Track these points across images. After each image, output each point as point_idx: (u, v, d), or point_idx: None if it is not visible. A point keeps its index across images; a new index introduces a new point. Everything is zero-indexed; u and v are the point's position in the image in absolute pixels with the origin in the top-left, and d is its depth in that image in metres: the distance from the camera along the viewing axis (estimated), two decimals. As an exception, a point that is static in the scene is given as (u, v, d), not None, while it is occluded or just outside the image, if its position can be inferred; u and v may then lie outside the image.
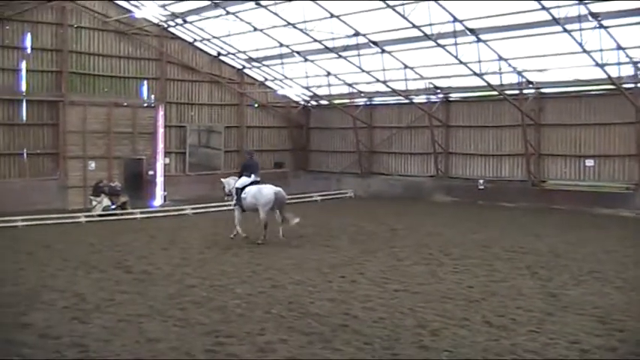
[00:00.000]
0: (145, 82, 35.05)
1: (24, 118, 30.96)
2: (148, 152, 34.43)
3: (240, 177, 22.21)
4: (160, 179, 34.28)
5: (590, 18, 23.55)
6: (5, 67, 30.39)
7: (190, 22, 34.02)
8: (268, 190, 21.37)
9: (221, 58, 37.84)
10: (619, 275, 15.83)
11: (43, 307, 12.86)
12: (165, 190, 34.09)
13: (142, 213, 28.60)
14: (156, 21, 34.43)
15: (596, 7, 23.26)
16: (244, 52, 36.58)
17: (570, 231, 23.47)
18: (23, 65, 30.83)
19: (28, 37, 30.92)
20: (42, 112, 31.47)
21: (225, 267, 17.00)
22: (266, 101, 40.25)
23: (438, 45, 27.82)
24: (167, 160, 35.28)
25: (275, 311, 12.50)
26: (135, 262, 17.67)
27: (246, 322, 11.75)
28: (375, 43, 30.52)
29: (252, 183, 21.71)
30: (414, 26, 26.87)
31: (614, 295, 13.83)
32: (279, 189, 21.67)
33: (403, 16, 25.95)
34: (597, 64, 25.67)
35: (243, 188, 21.60)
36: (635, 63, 26.55)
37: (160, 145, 34.42)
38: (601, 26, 23.98)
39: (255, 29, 31.92)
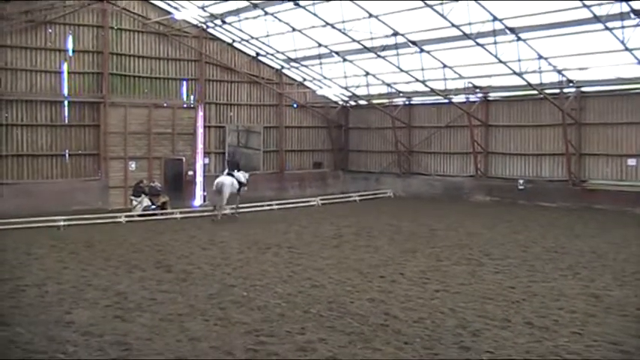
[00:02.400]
0: (185, 82, 35.31)
1: (66, 119, 31.41)
2: (188, 152, 34.72)
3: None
4: (199, 179, 34.57)
5: (632, 16, 23.21)
6: (48, 69, 30.83)
7: (229, 23, 34.20)
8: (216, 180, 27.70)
9: (260, 58, 37.99)
10: (663, 276, 15.64)
11: (86, 306, 13.05)
12: (205, 191, 34.33)
13: (181, 213, 28.81)
14: (195, 22, 34.70)
15: (638, 5, 22.91)
16: (283, 53, 36.67)
17: (612, 231, 23.19)
18: (65, 67, 31.27)
19: (70, 39, 31.35)
20: (83, 113, 31.89)
21: (265, 267, 17.09)
22: (305, 101, 40.31)
23: (478, 44, 27.66)
24: (207, 161, 35.52)
25: (315, 311, 12.54)
26: (175, 262, 17.83)
27: (286, 322, 11.81)
28: (413, 42, 30.41)
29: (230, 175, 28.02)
30: (453, 25, 26.72)
31: (658, 297, 13.66)
32: (219, 179, 27.59)
33: (442, 15, 25.84)
34: (639, 62, 25.31)
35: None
36: (678, 61, 26.18)
37: (200, 146, 34.73)
38: (643, 24, 23.68)
39: (294, 29, 32.02)
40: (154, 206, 28.98)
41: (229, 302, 13.26)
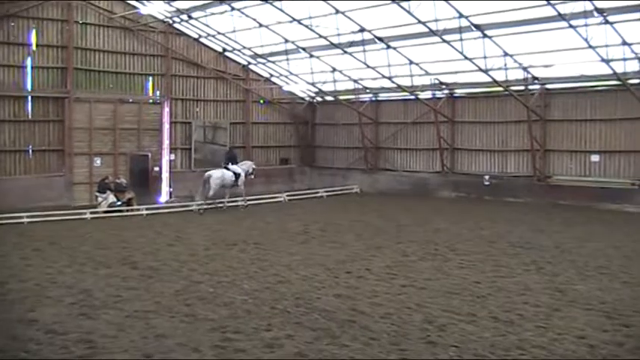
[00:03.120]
0: (151, 78, 35.06)
1: (30, 114, 30.97)
2: (154, 148, 34.46)
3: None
4: (165, 175, 34.33)
5: (595, 14, 23.48)
6: (11, 64, 30.34)
7: (195, 19, 34.00)
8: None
9: (226, 54, 37.83)
10: (626, 270, 15.86)
11: (50, 303, 12.92)
12: (171, 187, 34.14)
13: (147, 209, 28.62)
14: (161, 17, 34.40)
15: (601, 3, 23.18)
16: (249, 49, 36.55)
17: (576, 226, 23.47)
18: (29, 62, 30.85)
19: (34, 33, 30.91)
20: (47, 108, 31.47)
21: (232, 263, 17.06)
22: (271, 97, 40.23)
23: (444, 41, 27.79)
24: (173, 157, 35.29)
25: (282, 307, 12.54)
26: (141, 259, 17.72)
27: (253, 318, 11.80)
28: (380, 39, 30.46)
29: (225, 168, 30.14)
30: (420, 22, 26.81)
31: (621, 290, 13.86)
32: (209, 172, 29.52)
33: (409, 12, 25.92)
34: (603, 60, 25.63)
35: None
36: (640, 59, 26.55)
37: (166, 142, 34.47)
38: (606, 22, 23.89)
39: (261, 25, 31.93)
40: (119, 202, 28.77)
41: (196, 298, 13.21)
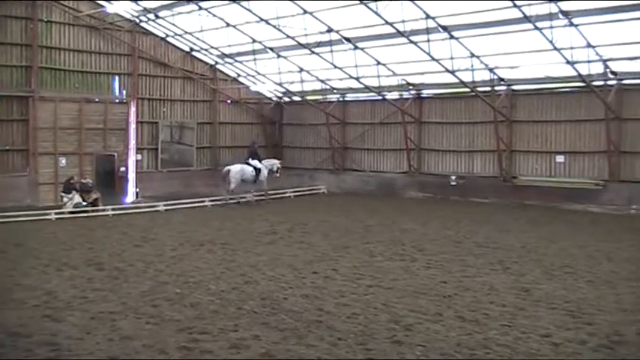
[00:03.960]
0: (117, 77, 34.76)
1: (-7, 114, 30.59)
2: (120, 148, 34.13)
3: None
4: (132, 176, 33.96)
5: (560, 16, 23.73)
6: (-27, 62, 29.99)
7: (162, 18, 33.80)
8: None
9: (193, 53, 37.66)
10: (590, 270, 16.06)
11: (14, 306, 12.76)
12: (137, 187, 33.80)
13: (113, 210, 28.36)
14: (128, 16, 34.12)
15: (566, 5, 23.42)
16: (217, 48, 36.43)
17: (542, 226, 23.68)
18: (-8, 60, 30.47)
19: (-3, 32, 30.54)
20: (11, 107, 30.98)
21: (199, 263, 16.98)
22: (239, 97, 40.12)
23: (411, 42, 27.92)
24: (139, 157, 34.99)
25: (248, 307, 12.52)
26: (107, 260, 17.57)
27: (219, 319, 11.76)
28: (347, 39, 30.51)
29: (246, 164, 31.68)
30: (387, 23, 26.88)
31: (585, 290, 14.03)
32: (227, 167, 31.46)
33: (376, 13, 25.97)
34: (568, 62, 25.90)
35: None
36: (604, 61, 26.86)
37: (132, 142, 34.15)
38: (571, 24, 24.18)
39: (228, 25, 31.82)
40: (85, 203, 28.46)
41: (162, 299, 13.14)
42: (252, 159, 31.89)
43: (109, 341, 10.53)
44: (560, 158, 30.36)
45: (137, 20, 34.63)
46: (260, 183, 31.89)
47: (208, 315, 12.03)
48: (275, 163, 32.89)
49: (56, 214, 26.81)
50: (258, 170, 31.42)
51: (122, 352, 10.00)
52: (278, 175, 32.90)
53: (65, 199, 28.43)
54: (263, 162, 32.29)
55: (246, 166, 31.42)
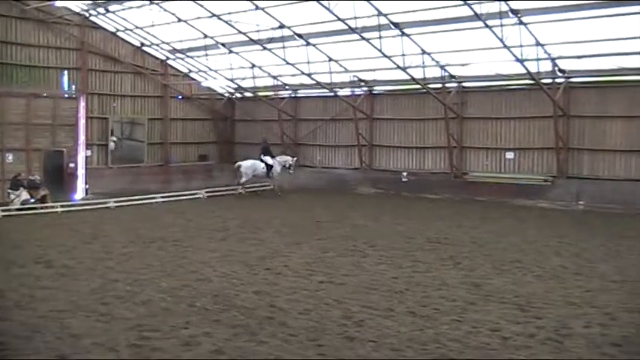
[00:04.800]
0: (66, 72, 34.22)
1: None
2: (69, 144, 33.55)
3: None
4: (81, 172, 33.50)
5: (510, 14, 24.05)
6: None
7: (112, 12, 33.39)
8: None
9: (144, 48, 37.27)
10: (539, 264, 16.28)
11: (-40, 305, 12.52)
12: (86, 183, 33.35)
13: (62, 207, 27.91)
14: (77, 10, 33.61)
15: (516, 4, 23.75)
16: (168, 43, 36.12)
17: (492, 222, 23.96)
18: None
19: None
20: (-44, 103, 30.42)
21: (150, 260, 16.82)
22: (190, 93, 39.85)
23: (363, 38, 27.98)
24: (89, 153, 34.51)
25: (200, 304, 12.45)
26: (56, 257, 17.31)
27: (170, 316, 11.68)
28: (299, 35, 30.52)
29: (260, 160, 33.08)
30: (339, 19, 26.94)
31: (534, 284, 14.23)
32: (239, 162, 33.18)
33: (328, 10, 26.01)
34: (517, 60, 26.19)
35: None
36: (553, 59, 27.26)
37: (82, 137, 33.65)
38: (521, 23, 24.49)
39: (180, 20, 31.54)
40: (33, 200, 27.98)
41: (112, 297, 12.99)
42: (265, 155, 32.95)
43: (58, 340, 10.39)
44: (509, 155, 30.76)
45: (86, 14, 34.10)
46: (273, 178, 33.09)
47: (159, 312, 11.93)
48: (288, 159, 33.52)
49: (3, 211, 26.32)
50: (270, 166, 32.62)
51: (71, 351, 9.87)
52: (292, 171, 33.57)
53: (12, 196, 27.92)
54: (276, 158, 33.22)
55: (258, 162, 32.85)
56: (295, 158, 34.29)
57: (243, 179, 32.57)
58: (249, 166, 32.71)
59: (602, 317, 11.65)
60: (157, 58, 38.12)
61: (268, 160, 32.93)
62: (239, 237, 20.72)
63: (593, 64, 26.72)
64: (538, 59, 26.90)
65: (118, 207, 28.64)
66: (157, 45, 36.83)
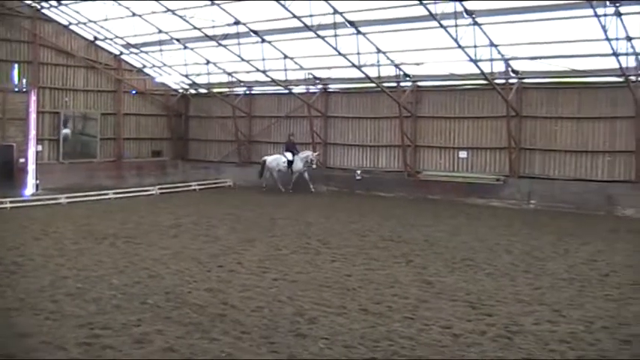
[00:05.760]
0: (17, 65, 33.65)
1: None
2: (19, 139, 33.03)
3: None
4: (31, 167, 32.98)
5: (465, 15, 24.26)
6: None
7: (65, 5, 32.90)
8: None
9: (98, 43, 36.78)
10: (490, 262, 16.46)
11: None
12: (37, 179, 32.85)
13: (12, 202, 27.42)
14: (28, 2, 33.09)
15: (471, 5, 23.97)
16: (122, 38, 35.73)
17: (444, 220, 24.15)
18: None
19: None
20: None
21: (101, 257, 16.64)
22: (144, 88, 39.47)
23: (318, 36, 27.97)
24: (40, 148, 33.98)
25: (152, 302, 12.36)
26: (4, 254, 16.99)
27: (122, 314, 11.57)
28: (255, 32, 30.42)
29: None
30: (295, 17, 26.88)
31: (485, 282, 14.39)
32: (264, 157, 34.25)
33: (284, 7, 25.96)
34: (471, 60, 26.39)
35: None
36: (506, 60, 27.58)
37: (32, 132, 33.12)
38: (475, 23, 24.73)
39: (134, 14, 31.21)
40: (-19, 195, 27.54)
41: (62, 295, 12.82)
42: (288, 151, 33.46)
43: (5, 339, 10.21)
44: (462, 154, 31.02)
45: (38, 6, 33.57)
46: (296, 173, 33.36)
47: (110, 310, 11.82)
48: (309, 154, 33.24)
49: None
50: (290, 162, 33.04)
51: (18, 350, 9.73)
52: (314, 166, 33.42)
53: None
54: (299, 154, 33.26)
55: (280, 157, 33.63)
56: (317, 153, 34.01)
57: (268, 173, 33.67)
58: (272, 160, 33.61)
59: (551, 314, 11.83)
60: (111, 53, 37.64)
61: (289, 155, 33.33)
62: (192, 234, 20.61)
63: (545, 66, 27.10)
64: (492, 60, 27.17)
65: (70, 203, 28.27)
66: (111, 39, 36.38)
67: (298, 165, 33.11)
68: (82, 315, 11.46)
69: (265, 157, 34.00)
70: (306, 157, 33.17)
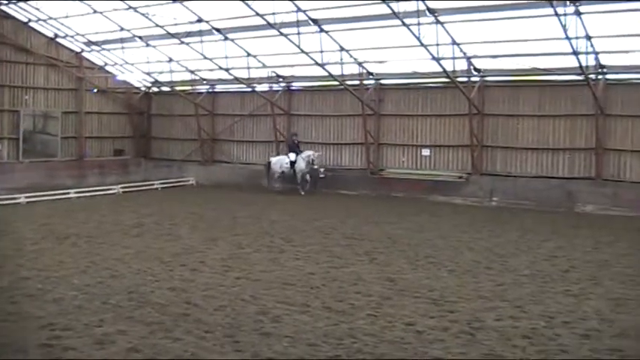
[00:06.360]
0: (-25, 63, 33.20)
1: None
2: (-22, 138, 32.63)
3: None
4: (-10, 166, 32.58)
5: (427, 13, 24.42)
6: None
7: (25, 1, 32.43)
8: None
9: (58, 40, 36.31)
10: (452, 259, 16.57)
11: None
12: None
13: (-30, 202, 27.13)
14: (-15, -2, 32.66)
15: (433, 4, 24.14)
16: (83, 35, 35.32)
17: (407, 218, 24.29)
18: None
19: None
20: None
21: (62, 257, 16.43)
22: (106, 86, 39.08)
23: (281, 34, 27.97)
24: (-1, 147, 33.58)
25: (114, 301, 12.24)
26: (-37, 255, 16.78)
27: (84, 314, 11.43)
28: (218, 30, 30.29)
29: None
30: (258, 14, 26.83)
31: (448, 279, 14.48)
32: (269, 159, 33.93)
33: (247, 4, 25.90)
34: (434, 58, 26.58)
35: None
36: (468, 58, 27.81)
37: (-9, 131, 32.70)
38: (438, 22, 24.91)
39: (95, 11, 30.82)
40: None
41: (22, 296, 12.63)
42: (291, 151, 32.81)
43: (-37, 341, 10.07)
44: (425, 151, 31.22)
45: (-4, 3, 33.12)
46: (299, 174, 32.36)
47: (72, 310, 11.67)
48: (310, 154, 32.52)
49: None
50: (292, 162, 32.43)
51: (-24, 354, 9.59)
52: (315, 166, 32.67)
53: None
54: (301, 154, 32.49)
55: (283, 158, 33.05)
56: (319, 153, 33.27)
57: (277, 175, 33.10)
58: (275, 162, 33.16)
59: (513, 310, 11.94)
60: (72, 50, 37.17)
61: (291, 156, 32.76)
62: (154, 233, 20.48)
63: (506, 64, 27.38)
64: (454, 58, 27.39)
65: (30, 202, 27.91)
66: (72, 36, 35.93)
67: (301, 165, 32.48)
68: (42, 316, 11.30)
69: (270, 159, 33.74)
70: (307, 156, 32.60)
